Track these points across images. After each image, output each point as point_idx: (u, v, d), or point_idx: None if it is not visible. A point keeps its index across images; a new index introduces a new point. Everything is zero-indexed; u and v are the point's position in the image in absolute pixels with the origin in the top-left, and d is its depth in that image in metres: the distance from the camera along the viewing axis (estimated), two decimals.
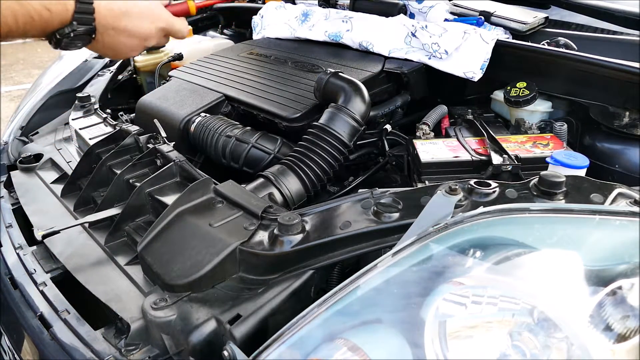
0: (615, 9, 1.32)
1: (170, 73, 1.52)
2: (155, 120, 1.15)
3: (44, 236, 0.92)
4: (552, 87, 1.18)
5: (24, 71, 4.93)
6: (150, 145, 1.10)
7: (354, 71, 1.29)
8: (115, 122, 1.31)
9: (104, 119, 1.33)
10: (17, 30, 0.67)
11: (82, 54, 1.80)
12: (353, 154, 1.20)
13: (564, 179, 0.73)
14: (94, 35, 0.75)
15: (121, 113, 1.46)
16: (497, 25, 1.35)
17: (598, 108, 1.11)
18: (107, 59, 1.75)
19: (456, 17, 1.44)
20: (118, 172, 1.05)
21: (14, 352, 0.94)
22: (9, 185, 1.27)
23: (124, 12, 0.77)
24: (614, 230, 0.64)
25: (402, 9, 1.50)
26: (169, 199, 0.93)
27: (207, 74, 1.45)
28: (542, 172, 0.75)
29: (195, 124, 1.23)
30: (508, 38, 1.32)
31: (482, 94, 1.35)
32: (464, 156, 1.03)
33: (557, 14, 1.48)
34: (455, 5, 1.45)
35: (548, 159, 0.95)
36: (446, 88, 1.34)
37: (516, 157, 1.00)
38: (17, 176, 1.28)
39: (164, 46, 1.64)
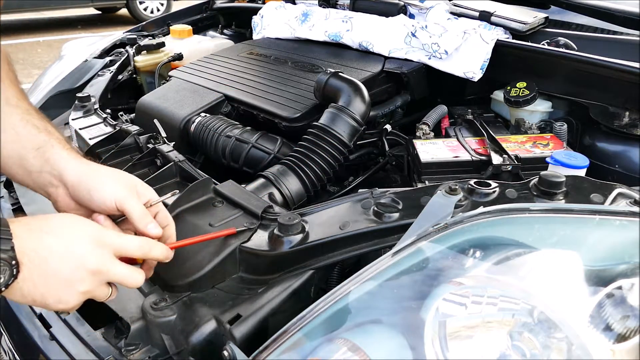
0: (615, 9, 1.32)
1: (170, 73, 1.52)
2: (155, 120, 1.15)
3: None
4: (552, 87, 1.18)
5: (24, 71, 4.92)
6: (150, 145, 1.10)
7: (354, 71, 1.29)
8: (115, 122, 1.31)
9: (104, 119, 1.33)
10: None
11: (82, 54, 1.79)
12: (353, 154, 1.20)
13: (564, 179, 0.73)
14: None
15: (121, 113, 1.46)
16: (497, 25, 1.35)
17: (598, 108, 1.10)
18: (107, 59, 1.74)
19: (456, 16, 1.43)
20: None
21: (14, 352, 0.94)
22: (9, 185, 1.27)
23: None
24: (614, 230, 0.64)
25: (402, 9, 1.50)
26: (169, 199, 0.93)
27: (207, 74, 1.45)
28: (542, 172, 0.75)
29: (195, 124, 1.23)
30: (508, 38, 1.32)
31: (482, 94, 1.35)
32: (464, 156, 1.03)
33: (557, 14, 1.48)
34: (455, 5, 1.45)
35: (548, 159, 0.95)
36: (446, 88, 1.34)
37: (516, 157, 1.00)
38: None
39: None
